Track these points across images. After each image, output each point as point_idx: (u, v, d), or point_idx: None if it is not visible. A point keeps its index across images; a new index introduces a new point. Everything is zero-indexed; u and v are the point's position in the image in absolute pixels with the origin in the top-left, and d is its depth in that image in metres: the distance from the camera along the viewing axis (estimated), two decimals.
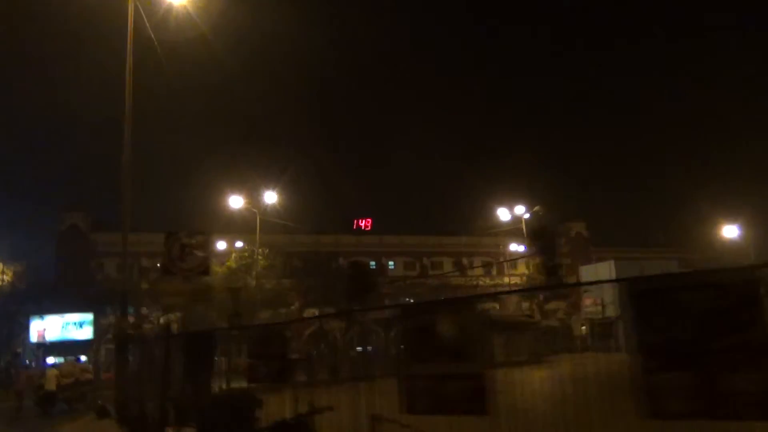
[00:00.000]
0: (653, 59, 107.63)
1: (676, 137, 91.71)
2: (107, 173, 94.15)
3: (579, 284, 41.90)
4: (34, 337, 46.50)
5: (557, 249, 45.61)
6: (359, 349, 59.57)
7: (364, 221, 63.48)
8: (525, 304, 55.14)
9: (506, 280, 69.33)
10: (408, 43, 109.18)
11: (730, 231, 51.58)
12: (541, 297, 55.71)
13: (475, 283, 67.84)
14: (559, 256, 46.22)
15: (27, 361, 47.18)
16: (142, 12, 15.60)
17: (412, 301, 60.86)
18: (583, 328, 50.42)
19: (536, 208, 42.58)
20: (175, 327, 39.96)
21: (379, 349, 60.00)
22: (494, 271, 70.80)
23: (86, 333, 47.41)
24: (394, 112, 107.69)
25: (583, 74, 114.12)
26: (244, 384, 8.47)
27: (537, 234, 41.85)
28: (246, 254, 43.07)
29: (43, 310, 45.45)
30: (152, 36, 15.42)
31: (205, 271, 13.81)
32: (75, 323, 47.78)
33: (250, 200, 38.82)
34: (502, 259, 62.41)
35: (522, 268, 71.10)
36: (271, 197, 37.56)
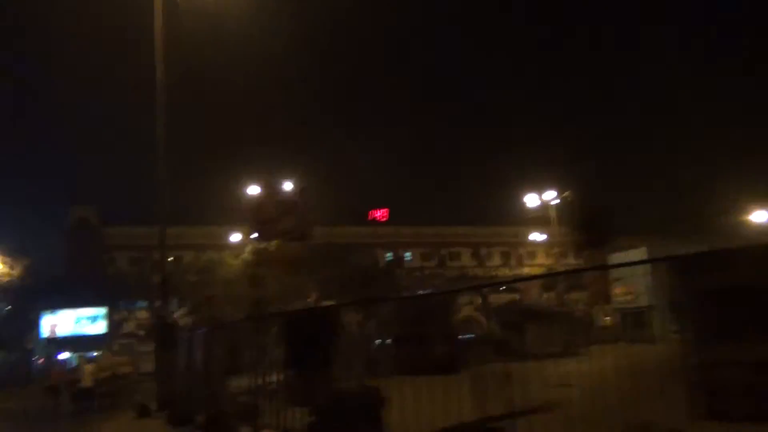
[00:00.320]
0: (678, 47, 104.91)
1: (701, 121, 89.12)
2: (116, 166, 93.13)
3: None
4: (45, 333, 45.59)
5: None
6: (378, 341, 58.55)
7: (380, 212, 62.03)
8: (545, 295, 53.69)
9: (525, 270, 67.84)
10: (419, 31, 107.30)
11: (760, 216, 49.63)
12: (562, 287, 54.15)
13: (493, 273, 66.40)
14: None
15: (35, 358, 46.34)
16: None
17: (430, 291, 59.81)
18: (607, 318, 48.84)
19: (566, 193, 40.81)
20: (187, 322, 38.72)
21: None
22: (512, 262, 69.30)
23: (99, 327, 46.49)
24: (409, 98, 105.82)
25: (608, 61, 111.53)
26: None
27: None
28: (262, 246, 41.72)
29: (54, 306, 44.48)
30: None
31: (303, 234, 11.62)
32: (88, 318, 46.85)
33: (268, 189, 37.46)
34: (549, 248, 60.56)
35: (541, 258, 69.57)
36: (288, 186, 36.16)
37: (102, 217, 50.37)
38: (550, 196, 41.18)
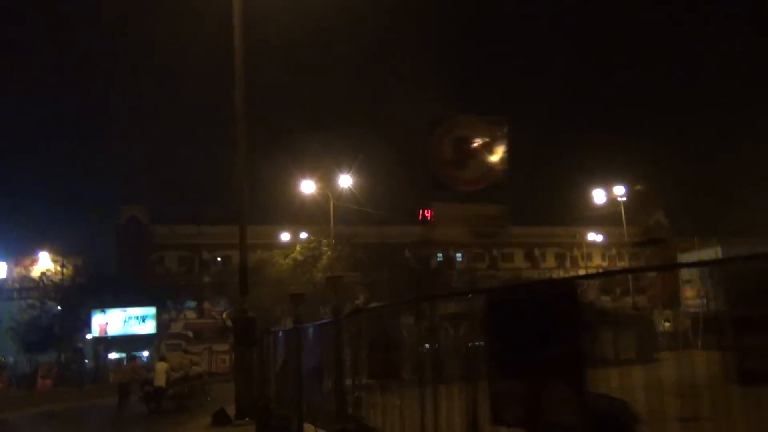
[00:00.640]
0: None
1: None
2: (165, 165, 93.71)
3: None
4: (96, 332, 45.37)
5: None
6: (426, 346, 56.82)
7: (429, 211, 60.18)
8: (602, 298, 51.28)
9: (581, 272, 65.21)
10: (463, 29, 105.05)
11: None
12: (618, 291, 51.67)
13: (548, 276, 63.96)
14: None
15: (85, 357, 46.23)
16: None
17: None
18: (666, 323, 46.37)
19: (637, 186, 38.35)
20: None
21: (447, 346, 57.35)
22: (567, 263, 66.75)
23: (148, 327, 46.08)
24: (459, 88, 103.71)
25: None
26: None
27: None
28: (312, 245, 40.57)
29: (104, 305, 44.20)
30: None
31: (499, 184, 6.47)
32: (137, 317, 46.48)
33: (323, 185, 36.13)
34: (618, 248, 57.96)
35: (597, 260, 66.87)
36: (346, 181, 34.68)
37: (151, 215, 50.14)
38: (619, 191, 38.57)
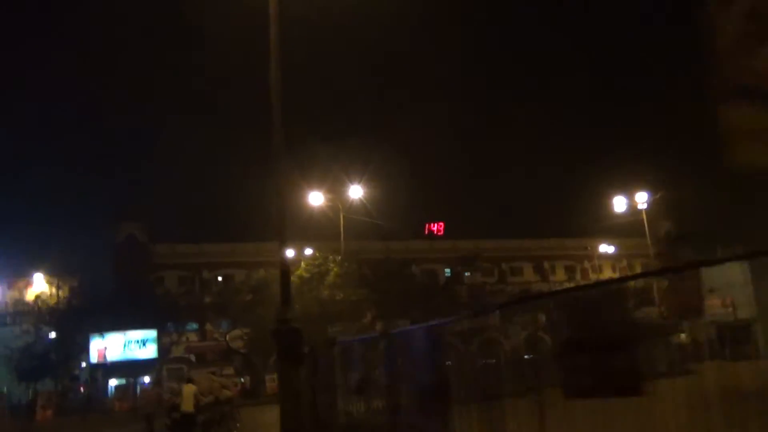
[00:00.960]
0: None
1: None
2: (163, 181, 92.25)
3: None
4: (94, 358, 43.50)
5: None
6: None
7: (436, 225, 58.76)
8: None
9: None
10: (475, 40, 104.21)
11: None
12: (632, 301, 49.93)
13: (557, 289, 62.29)
14: None
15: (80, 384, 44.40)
16: None
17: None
18: (682, 335, 44.79)
19: (659, 194, 36.82)
20: (239, 344, 35.68)
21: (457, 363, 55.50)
22: (578, 276, 65.06)
23: (149, 351, 44.20)
24: (465, 108, 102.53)
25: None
26: None
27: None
28: (318, 261, 38.96)
29: (102, 328, 42.41)
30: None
31: None
32: (137, 341, 44.64)
33: (333, 197, 34.44)
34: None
35: (608, 272, 65.24)
36: (356, 192, 33.02)
37: (150, 234, 48.52)
38: (642, 198, 36.96)
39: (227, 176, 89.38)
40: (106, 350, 43.71)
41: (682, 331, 36.99)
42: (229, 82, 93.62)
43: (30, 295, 43.97)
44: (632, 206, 38.73)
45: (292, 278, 39.19)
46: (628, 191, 39.04)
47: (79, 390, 43.42)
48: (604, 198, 43.53)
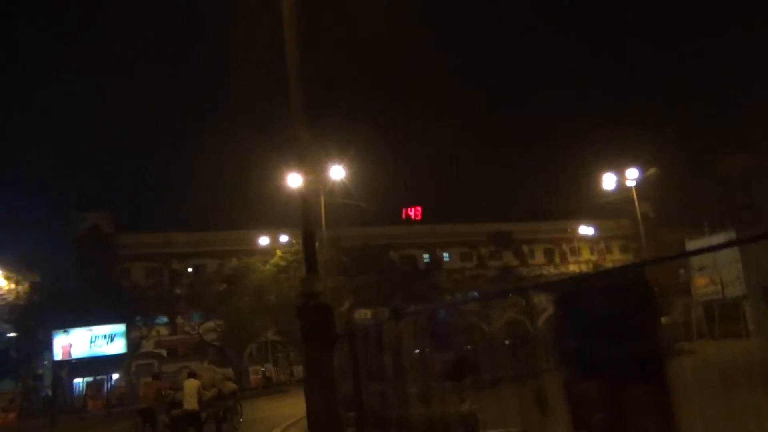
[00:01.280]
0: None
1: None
2: (127, 169, 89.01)
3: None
4: (58, 355, 41.19)
5: None
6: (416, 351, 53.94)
7: (413, 210, 57.32)
8: None
9: (571, 268, 62.94)
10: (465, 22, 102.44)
11: None
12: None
13: (538, 273, 61.52)
14: None
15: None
16: None
17: (474, 294, 55.15)
18: (663, 318, 44.34)
19: (651, 170, 35.65)
20: (213, 337, 33.77)
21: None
22: (557, 259, 64.38)
23: (118, 347, 42.03)
24: (438, 89, 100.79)
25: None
26: None
27: None
28: (296, 248, 37.19)
29: (66, 324, 40.11)
30: None
31: None
32: (104, 336, 42.40)
33: (313, 178, 32.36)
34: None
35: (586, 254, 64.69)
36: (337, 172, 31.13)
37: (114, 224, 46.08)
38: (632, 174, 35.73)
39: (195, 163, 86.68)
40: (71, 347, 41.45)
41: (668, 312, 36.33)
42: (198, 63, 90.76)
43: None
44: (621, 183, 37.61)
45: (267, 266, 37.57)
46: (615, 169, 37.88)
47: (44, 390, 41.13)
48: (586, 178, 42.53)
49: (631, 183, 35.76)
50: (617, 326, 3.25)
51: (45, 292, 39.03)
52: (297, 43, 8.24)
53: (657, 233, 63.15)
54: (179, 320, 44.68)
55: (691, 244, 39.08)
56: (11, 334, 39.46)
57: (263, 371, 42.76)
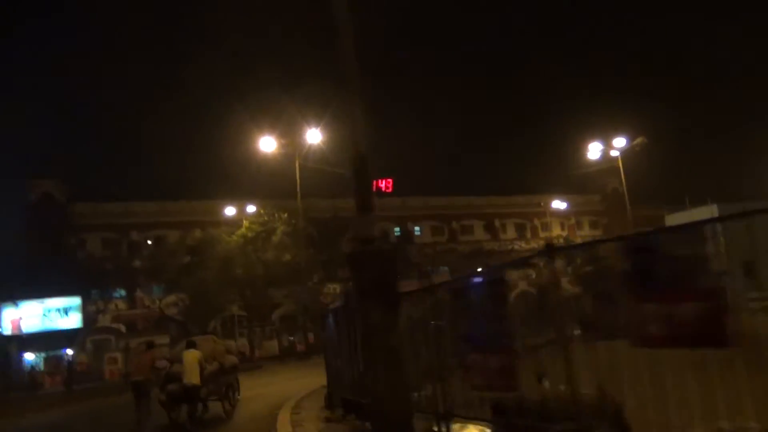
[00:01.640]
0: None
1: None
2: (83, 134, 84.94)
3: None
4: (7, 329, 38.77)
5: None
6: None
7: (384, 182, 55.55)
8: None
9: (543, 243, 62.36)
10: None
11: None
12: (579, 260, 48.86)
13: (509, 248, 60.78)
14: None
15: None
16: None
17: (445, 269, 54.10)
18: None
19: (638, 139, 34.46)
20: (175, 311, 31.64)
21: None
22: (528, 234, 63.68)
23: (73, 321, 39.70)
24: (410, 54, 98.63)
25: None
26: None
27: None
28: (266, 218, 35.35)
29: (15, 297, 37.67)
30: None
31: None
32: (58, 310, 40.01)
33: (287, 142, 30.21)
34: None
35: (557, 230, 64.16)
36: (314, 136, 29.06)
37: (68, 192, 43.25)
38: (620, 143, 34.49)
39: (158, 130, 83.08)
40: (21, 320, 39.05)
41: None
42: (167, 24, 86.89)
43: None
44: (605, 153, 36.46)
45: (234, 238, 35.68)
46: (601, 139, 36.72)
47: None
48: (564, 150, 41.42)
49: (615, 153, 34.60)
50: None
51: None
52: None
53: (625, 210, 62.98)
54: (139, 294, 42.46)
55: (671, 219, 38.37)
56: None
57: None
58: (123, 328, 42.08)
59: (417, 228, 56.98)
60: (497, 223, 61.86)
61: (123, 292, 42.06)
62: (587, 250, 8.60)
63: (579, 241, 64.01)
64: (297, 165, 29.10)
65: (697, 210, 38.07)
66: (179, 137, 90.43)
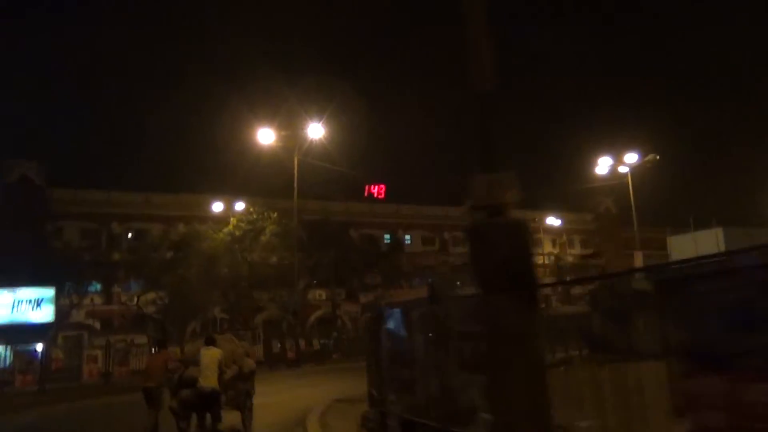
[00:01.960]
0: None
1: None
2: (66, 116, 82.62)
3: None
4: None
5: None
6: None
7: (376, 187, 54.07)
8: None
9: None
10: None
11: None
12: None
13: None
14: None
15: None
16: None
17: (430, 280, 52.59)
18: None
19: (649, 156, 33.21)
20: (153, 309, 29.59)
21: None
22: None
23: (45, 314, 37.45)
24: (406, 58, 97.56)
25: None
26: None
27: None
28: (255, 216, 33.67)
29: None
30: None
31: None
32: (30, 301, 37.81)
33: (286, 135, 28.57)
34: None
35: (548, 247, 62.97)
36: (316, 131, 27.39)
37: (48, 176, 41.23)
38: (631, 159, 33.28)
39: (147, 117, 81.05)
40: None
41: None
42: (157, 11, 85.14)
43: None
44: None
45: (221, 235, 33.94)
46: (612, 154, 35.49)
47: None
48: (564, 167, 40.23)
49: (624, 169, 33.40)
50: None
51: None
52: None
53: (617, 231, 61.94)
54: (116, 289, 40.44)
55: (673, 241, 37.27)
56: None
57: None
58: (97, 325, 40.04)
59: (407, 236, 55.52)
60: None
61: (99, 287, 40.03)
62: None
63: (570, 259, 63.01)
64: (296, 160, 27.52)
65: (701, 233, 37.12)
66: (169, 126, 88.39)
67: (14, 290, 36.99)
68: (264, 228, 33.43)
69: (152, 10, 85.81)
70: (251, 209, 34.84)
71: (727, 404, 3.18)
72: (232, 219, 33.99)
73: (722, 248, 32.92)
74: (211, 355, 10.57)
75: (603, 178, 38.34)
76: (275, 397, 16.50)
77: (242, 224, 33.24)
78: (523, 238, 4.39)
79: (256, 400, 12.37)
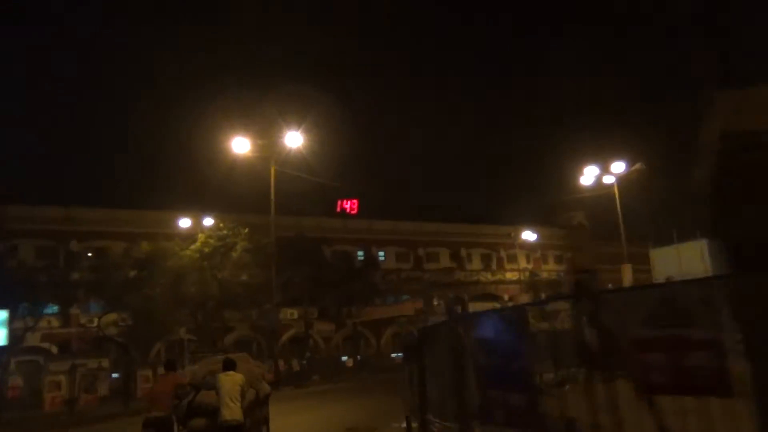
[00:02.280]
0: None
1: None
2: (20, 129, 79.30)
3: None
4: None
5: None
6: (344, 358, 49.61)
7: (349, 203, 52.75)
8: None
9: (508, 275, 60.34)
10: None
11: None
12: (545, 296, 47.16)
13: (475, 279, 58.55)
14: None
15: None
16: None
17: (407, 297, 51.22)
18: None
19: (636, 165, 32.42)
20: (114, 331, 27.42)
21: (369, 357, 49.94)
22: (493, 265, 61.53)
23: None
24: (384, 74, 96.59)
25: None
26: None
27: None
28: (226, 232, 31.88)
29: None
30: None
31: None
32: None
33: (261, 145, 27.03)
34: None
35: (522, 262, 62.20)
36: (294, 139, 25.88)
37: (1, 192, 38.74)
38: (618, 168, 32.44)
39: (108, 130, 78.24)
40: None
41: None
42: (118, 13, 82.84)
43: None
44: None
45: (188, 252, 32.05)
46: (598, 163, 34.64)
47: None
48: (534, 180, 39.38)
49: (609, 179, 32.61)
50: None
51: None
52: None
53: (589, 245, 61.47)
54: (74, 310, 38.07)
55: (656, 254, 36.63)
56: None
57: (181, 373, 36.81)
58: (54, 349, 37.58)
59: (381, 253, 54.10)
60: (463, 252, 59.54)
61: (56, 308, 37.60)
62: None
63: (544, 274, 62.30)
64: (273, 170, 25.97)
65: (685, 245, 36.51)
66: (135, 139, 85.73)
67: None
68: (235, 244, 31.67)
69: (122, 15, 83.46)
70: (221, 225, 33.07)
71: None
72: (200, 235, 32.12)
73: (707, 261, 32.43)
74: (233, 381, 9.05)
75: (588, 189, 37.57)
76: (274, 423, 14.75)
77: (211, 240, 31.42)
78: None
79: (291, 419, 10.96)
